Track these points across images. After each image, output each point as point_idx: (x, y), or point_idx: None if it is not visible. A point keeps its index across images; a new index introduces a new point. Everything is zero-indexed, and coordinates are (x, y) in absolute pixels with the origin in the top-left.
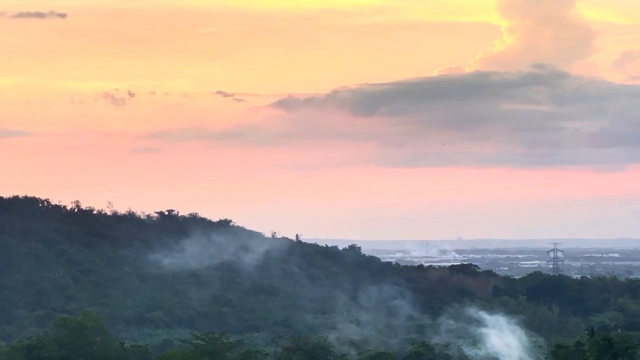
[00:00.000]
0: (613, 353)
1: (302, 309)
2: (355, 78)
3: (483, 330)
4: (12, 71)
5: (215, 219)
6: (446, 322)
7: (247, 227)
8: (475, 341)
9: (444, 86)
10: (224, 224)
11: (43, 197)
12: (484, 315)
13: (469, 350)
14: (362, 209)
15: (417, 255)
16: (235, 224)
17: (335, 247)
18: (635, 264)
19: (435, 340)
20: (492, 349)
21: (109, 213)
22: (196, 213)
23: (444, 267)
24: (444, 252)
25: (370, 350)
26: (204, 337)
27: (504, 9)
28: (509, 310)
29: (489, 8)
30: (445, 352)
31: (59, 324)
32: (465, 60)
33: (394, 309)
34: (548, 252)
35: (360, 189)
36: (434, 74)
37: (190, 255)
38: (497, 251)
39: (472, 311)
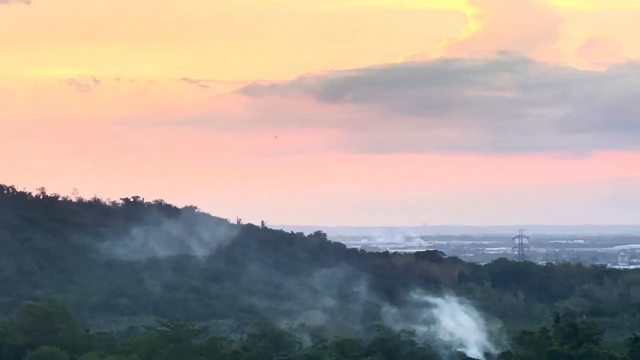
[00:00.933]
0: (578, 339)
1: (268, 296)
2: (321, 64)
3: (441, 315)
4: None
5: (180, 205)
6: (408, 308)
7: (213, 214)
8: (433, 326)
9: (409, 73)
10: (190, 210)
11: (8, 184)
12: (444, 300)
13: (427, 336)
14: (328, 195)
15: (382, 242)
16: (201, 211)
17: (301, 233)
18: (600, 250)
19: (398, 326)
20: (449, 333)
21: (74, 200)
22: (161, 199)
23: (409, 254)
24: (409, 238)
25: (336, 337)
26: (170, 324)
27: None
28: (474, 297)
29: None
30: (411, 338)
31: (24, 311)
32: (430, 47)
33: (360, 296)
34: (513, 238)
35: (325, 175)
36: (400, 60)
37: (155, 242)
38: (463, 237)
39: (434, 297)
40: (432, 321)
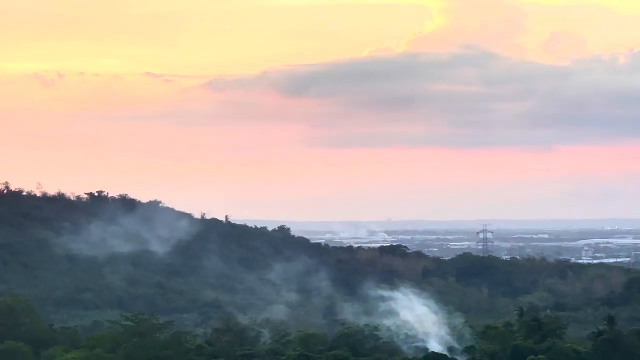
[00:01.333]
0: (542, 334)
1: (231, 290)
2: (286, 59)
3: (402, 309)
4: None
5: (145, 200)
6: (371, 302)
7: (177, 209)
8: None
9: (374, 67)
10: (154, 205)
11: None
12: (406, 295)
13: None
14: (292, 190)
15: (346, 237)
16: (165, 205)
17: (265, 228)
18: (564, 245)
19: (361, 320)
20: (411, 328)
21: (38, 194)
22: (126, 194)
23: (374, 249)
24: (373, 233)
25: (300, 332)
26: (134, 318)
27: None
28: (438, 292)
29: None
30: (375, 333)
31: None
32: (395, 41)
33: (323, 290)
34: (478, 233)
35: (290, 170)
36: (365, 54)
37: (119, 237)
38: (427, 232)
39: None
40: (394, 315)
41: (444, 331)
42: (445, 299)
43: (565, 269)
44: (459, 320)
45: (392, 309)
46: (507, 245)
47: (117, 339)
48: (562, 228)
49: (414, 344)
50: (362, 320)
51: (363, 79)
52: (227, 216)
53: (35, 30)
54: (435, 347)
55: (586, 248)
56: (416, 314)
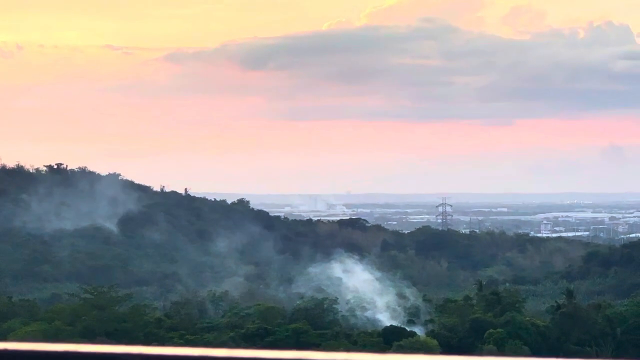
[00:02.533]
0: (501, 307)
1: (190, 263)
2: (244, 32)
3: (361, 283)
4: None
5: (104, 172)
6: (329, 275)
7: (136, 181)
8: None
9: (334, 40)
10: (113, 177)
11: None
12: (365, 268)
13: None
14: (251, 162)
15: (305, 210)
16: (124, 178)
17: (224, 200)
18: (523, 218)
19: (320, 294)
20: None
21: None
22: (85, 167)
23: (333, 222)
24: (331, 206)
25: (258, 305)
26: (93, 291)
27: None
28: (396, 265)
29: None
30: (334, 306)
31: None
32: (355, 14)
33: (283, 263)
34: (437, 206)
35: (249, 143)
36: (324, 27)
37: (78, 209)
38: (386, 205)
39: (356, 265)
40: (353, 289)
41: (402, 305)
42: (404, 272)
43: (524, 243)
44: (418, 293)
45: (350, 283)
46: (466, 218)
47: (76, 312)
48: (521, 201)
49: (371, 317)
50: (321, 294)
51: (323, 52)
52: (186, 189)
53: None
54: (393, 320)
55: (545, 221)
56: (375, 288)
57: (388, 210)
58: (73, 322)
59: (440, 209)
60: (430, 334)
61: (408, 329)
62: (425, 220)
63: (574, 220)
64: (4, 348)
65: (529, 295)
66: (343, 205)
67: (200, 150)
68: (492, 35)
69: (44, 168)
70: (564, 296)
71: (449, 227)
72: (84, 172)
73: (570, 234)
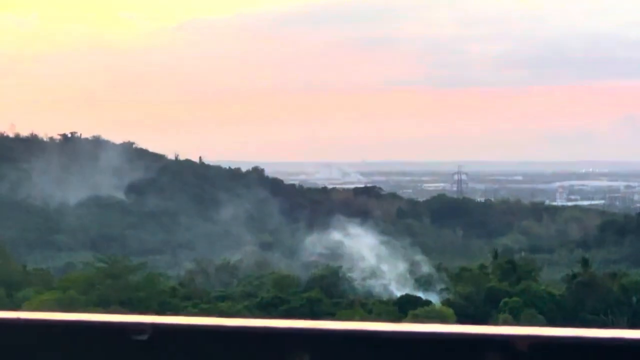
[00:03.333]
0: (516, 276)
1: (204, 232)
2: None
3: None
4: None
5: (118, 141)
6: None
7: (151, 150)
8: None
9: (346, 8)
10: (127, 146)
11: None
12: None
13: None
14: (266, 131)
15: (320, 177)
16: (139, 146)
17: (238, 169)
18: (538, 187)
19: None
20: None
21: (11, 135)
22: (99, 135)
23: (348, 189)
24: (346, 174)
25: (273, 273)
26: (107, 259)
27: None
28: (411, 233)
29: None
30: (349, 274)
31: None
32: None
33: (298, 232)
34: (452, 174)
35: (263, 111)
36: None
37: (93, 177)
38: (401, 173)
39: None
40: (368, 258)
41: (417, 273)
42: (419, 241)
43: (540, 211)
44: (433, 262)
45: (365, 251)
46: (482, 186)
47: (90, 280)
48: (536, 170)
49: (386, 286)
50: (336, 262)
51: (335, 20)
52: (200, 157)
53: None
54: (408, 288)
55: (560, 190)
56: (390, 256)
57: (403, 178)
58: (87, 291)
59: (456, 177)
60: (446, 302)
61: (423, 297)
62: (440, 188)
63: (589, 188)
64: (17, 317)
65: (545, 264)
66: (358, 173)
67: (214, 118)
68: (507, 2)
69: (58, 137)
70: (580, 265)
71: (464, 195)
72: (97, 141)
73: (585, 203)
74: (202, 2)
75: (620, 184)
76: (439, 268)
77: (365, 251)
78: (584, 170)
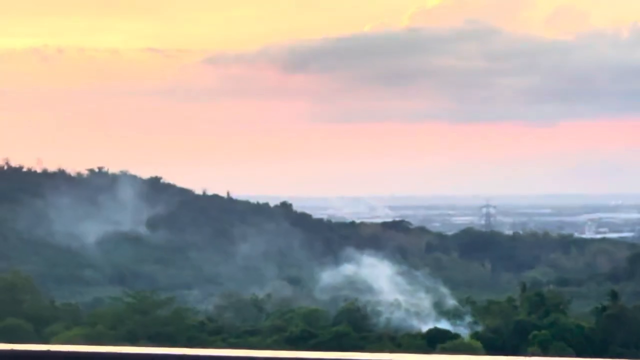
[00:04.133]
0: (545, 309)
1: (233, 266)
2: (287, 34)
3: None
4: None
5: (146, 176)
6: (373, 278)
7: (178, 185)
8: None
9: (376, 41)
10: (155, 181)
11: None
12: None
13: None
14: (294, 166)
15: (347, 212)
16: (166, 181)
17: (267, 204)
18: (566, 219)
19: (364, 296)
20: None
21: (38, 170)
22: (127, 170)
23: (376, 224)
24: (374, 208)
25: (302, 307)
26: (135, 295)
27: None
28: (440, 267)
29: None
30: (377, 308)
31: None
32: (397, 16)
33: (326, 266)
34: (480, 208)
35: (291, 146)
36: (366, 29)
37: (120, 212)
38: (430, 207)
39: (400, 267)
40: (397, 291)
41: (446, 307)
42: (448, 274)
43: (568, 244)
44: (462, 295)
45: (394, 285)
46: (510, 220)
47: (119, 316)
48: (564, 202)
49: (415, 320)
50: (364, 296)
51: (365, 53)
52: (228, 192)
53: (34, 5)
54: (437, 322)
55: (589, 222)
56: (418, 290)
57: (431, 212)
58: (115, 326)
59: (484, 210)
60: (475, 336)
61: (452, 330)
62: (468, 221)
63: (618, 221)
64: (47, 349)
65: (574, 297)
66: (386, 207)
67: (242, 153)
68: (535, 36)
69: (86, 171)
70: (609, 298)
71: (492, 228)
72: (125, 176)
73: (614, 235)
74: (230, 35)
75: None
76: (467, 301)
77: (393, 285)
78: (613, 203)
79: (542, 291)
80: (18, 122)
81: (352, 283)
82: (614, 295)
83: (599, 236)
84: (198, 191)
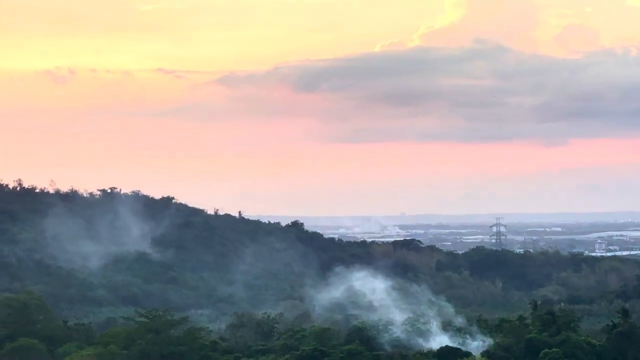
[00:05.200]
0: (556, 327)
1: (245, 285)
2: (297, 54)
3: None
4: None
5: (158, 196)
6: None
7: (190, 204)
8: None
9: (386, 61)
10: (167, 201)
11: None
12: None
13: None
14: (305, 185)
15: (359, 231)
16: (178, 201)
17: (278, 223)
18: (577, 237)
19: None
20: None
21: (51, 191)
22: (139, 190)
23: (387, 243)
24: (385, 227)
25: (313, 327)
26: (148, 314)
27: None
28: (451, 285)
29: None
30: (389, 326)
31: (3, 303)
32: (407, 36)
33: (338, 285)
34: (491, 226)
35: (302, 165)
36: (376, 49)
37: (132, 232)
38: (440, 226)
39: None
40: (408, 310)
41: (457, 325)
42: (459, 293)
43: (579, 262)
44: (473, 313)
45: (405, 304)
46: (520, 238)
47: (131, 335)
48: (575, 221)
49: (426, 338)
50: (375, 315)
51: (375, 73)
52: (239, 212)
53: (46, 26)
54: (448, 340)
55: (599, 241)
56: (429, 308)
57: (442, 231)
58: (128, 345)
59: (494, 229)
60: (486, 354)
61: (463, 349)
62: (479, 240)
63: (628, 239)
64: None
65: (584, 315)
66: (397, 226)
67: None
68: (545, 55)
69: (98, 192)
70: (620, 315)
71: (503, 247)
72: (137, 196)
73: (624, 253)
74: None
75: None
76: (478, 319)
77: (404, 304)
78: (622, 221)
79: (553, 309)
80: (31, 143)
81: (363, 302)
82: (625, 313)
83: (609, 254)
84: (210, 211)
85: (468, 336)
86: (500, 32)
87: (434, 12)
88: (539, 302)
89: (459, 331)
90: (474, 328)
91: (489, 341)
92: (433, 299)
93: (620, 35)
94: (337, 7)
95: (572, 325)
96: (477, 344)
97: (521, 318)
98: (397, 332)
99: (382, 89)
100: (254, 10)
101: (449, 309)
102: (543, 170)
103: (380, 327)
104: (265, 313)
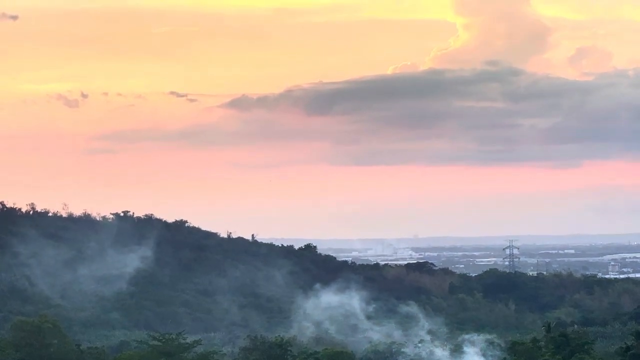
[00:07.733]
0: (570, 349)
1: (259, 309)
2: (309, 77)
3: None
4: None
5: (170, 219)
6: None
7: (203, 228)
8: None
9: (399, 84)
10: (180, 224)
11: None
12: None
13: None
14: (317, 208)
15: (372, 254)
16: (191, 225)
17: (291, 246)
18: (591, 259)
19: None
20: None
21: (64, 215)
22: (152, 214)
23: (400, 265)
24: (397, 250)
25: (327, 349)
26: (161, 338)
27: (459, 6)
28: (464, 308)
29: (444, 5)
30: (402, 350)
31: (16, 327)
32: (419, 58)
33: (351, 308)
34: (504, 249)
35: (314, 188)
36: (389, 71)
37: (146, 256)
38: (453, 249)
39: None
40: (421, 332)
41: (470, 348)
42: (472, 315)
43: (592, 284)
44: (486, 336)
45: (418, 326)
46: (534, 260)
47: (145, 359)
48: (588, 243)
49: None
50: (389, 338)
51: (387, 96)
52: (253, 235)
53: (59, 50)
54: None
55: (612, 263)
56: (443, 331)
57: (455, 253)
58: None
59: (507, 251)
60: None
61: None
62: (492, 262)
63: None
64: None
65: (598, 337)
66: (410, 249)
67: (266, 195)
68: (557, 77)
69: (111, 216)
70: (633, 337)
71: (516, 269)
72: (150, 220)
73: (638, 275)
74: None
75: None
76: (491, 342)
77: (419, 327)
78: (635, 243)
79: (566, 331)
80: (43, 166)
81: (376, 325)
82: (638, 335)
83: (622, 276)
84: (223, 234)
85: (483, 358)
86: (512, 54)
87: (446, 35)
88: (552, 324)
89: (472, 354)
90: (489, 350)
91: None
92: (451, 321)
93: (632, 57)
94: (349, 30)
95: (586, 347)
96: None
97: (534, 340)
98: (411, 354)
99: (395, 111)
100: (266, 33)
101: (466, 331)
102: (556, 192)
103: (393, 350)
104: (279, 336)
